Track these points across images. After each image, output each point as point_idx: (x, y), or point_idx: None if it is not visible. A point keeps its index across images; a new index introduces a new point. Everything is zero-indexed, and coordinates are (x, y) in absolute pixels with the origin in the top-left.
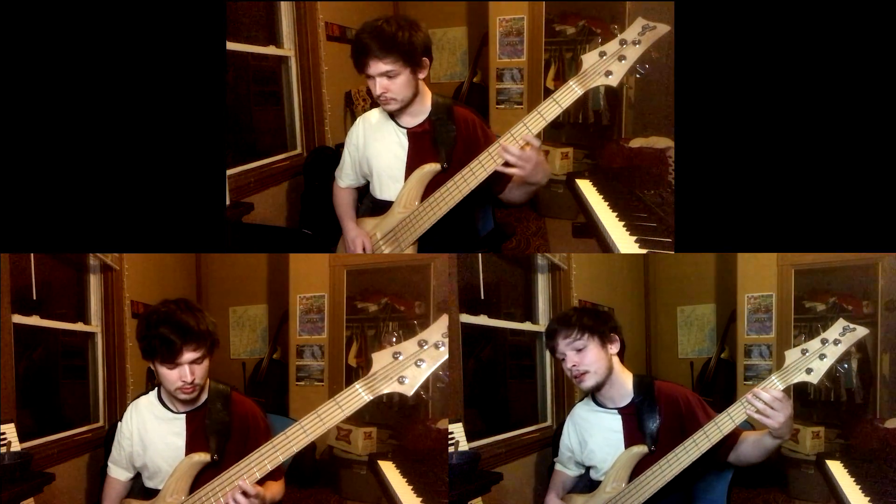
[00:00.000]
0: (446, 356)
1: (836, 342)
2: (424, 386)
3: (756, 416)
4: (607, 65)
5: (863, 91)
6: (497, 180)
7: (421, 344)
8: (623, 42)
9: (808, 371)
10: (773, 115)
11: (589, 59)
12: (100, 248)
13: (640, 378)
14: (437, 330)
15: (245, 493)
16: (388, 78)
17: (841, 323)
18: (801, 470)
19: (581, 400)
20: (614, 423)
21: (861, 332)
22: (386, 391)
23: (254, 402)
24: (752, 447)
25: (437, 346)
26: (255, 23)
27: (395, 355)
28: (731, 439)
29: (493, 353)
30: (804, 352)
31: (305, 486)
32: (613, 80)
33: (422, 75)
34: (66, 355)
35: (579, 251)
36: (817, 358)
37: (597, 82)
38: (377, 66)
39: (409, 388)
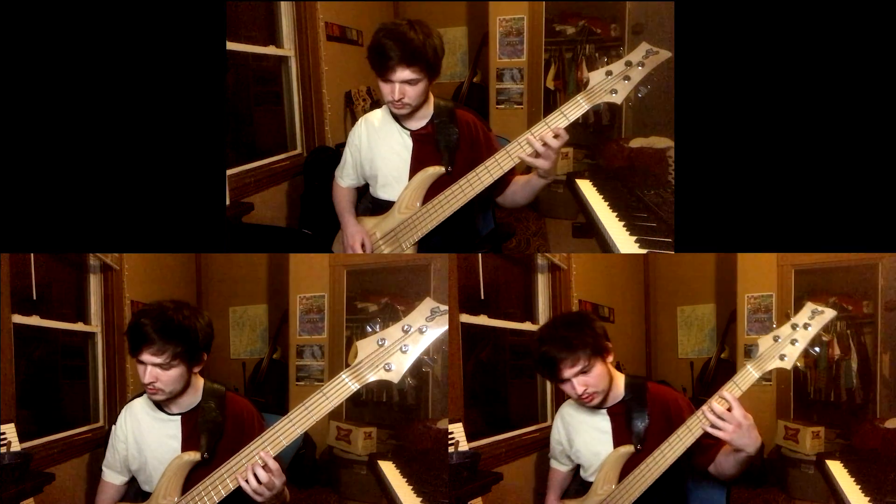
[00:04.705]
0: (431, 340)
1: (805, 326)
2: (422, 384)
3: (710, 429)
4: (613, 83)
5: (863, 91)
6: (496, 185)
7: (405, 329)
8: (628, 63)
9: (782, 357)
10: (773, 115)
11: (596, 76)
12: (100, 248)
13: (632, 379)
14: (421, 314)
15: (266, 467)
16: (408, 84)
17: (809, 307)
18: (801, 470)
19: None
20: (602, 423)
21: (829, 314)
22: (372, 379)
23: (249, 402)
24: (727, 462)
25: (420, 331)
26: (255, 23)
27: (380, 342)
28: (712, 449)
29: (493, 353)
30: (776, 338)
31: (305, 486)
32: (618, 98)
33: (434, 81)
34: (66, 355)
35: (579, 251)
36: (789, 343)
37: (603, 99)
38: (402, 74)
39: (396, 374)
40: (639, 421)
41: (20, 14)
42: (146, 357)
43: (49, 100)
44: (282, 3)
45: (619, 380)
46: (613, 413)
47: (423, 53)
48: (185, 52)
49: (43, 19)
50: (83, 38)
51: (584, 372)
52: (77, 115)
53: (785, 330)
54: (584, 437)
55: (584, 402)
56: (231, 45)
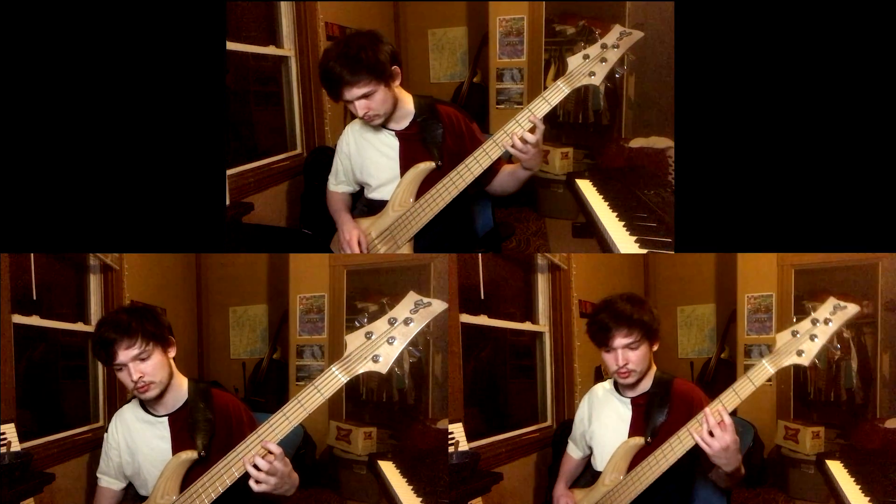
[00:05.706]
0: (416, 331)
1: (826, 321)
2: (422, 384)
3: (700, 441)
4: (590, 66)
5: (863, 91)
6: (485, 174)
7: (391, 322)
8: (604, 46)
9: (800, 353)
10: (773, 115)
11: (574, 61)
12: (100, 248)
13: (661, 373)
14: (406, 306)
15: (269, 452)
16: (365, 98)
17: (832, 301)
18: (801, 470)
19: (606, 379)
20: (624, 412)
21: (852, 309)
22: (361, 371)
23: (233, 395)
24: (717, 474)
25: (406, 323)
26: (255, 23)
27: (368, 335)
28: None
29: (493, 353)
30: (794, 333)
31: (305, 486)
32: (596, 80)
33: (396, 84)
34: (66, 355)
35: (579, 251)
36: (808, 339)
37: (582, 82)
38: (352, 92)
39: (384, 365)
40: (658, 415)
41: (20, 14)
42: (123, 356)
43: (49, 100)
44: (282, 3)
45: (651, 371)
46: (636, 403)
47: (365, 64)
48: (185, 52)
49: (43, 19)
50: (83, 38)
51: (631, 347)
52: (77, 115)
53: (804, 325)
54: (603, 419)
55: (619, 377)
56: (231, 45)
